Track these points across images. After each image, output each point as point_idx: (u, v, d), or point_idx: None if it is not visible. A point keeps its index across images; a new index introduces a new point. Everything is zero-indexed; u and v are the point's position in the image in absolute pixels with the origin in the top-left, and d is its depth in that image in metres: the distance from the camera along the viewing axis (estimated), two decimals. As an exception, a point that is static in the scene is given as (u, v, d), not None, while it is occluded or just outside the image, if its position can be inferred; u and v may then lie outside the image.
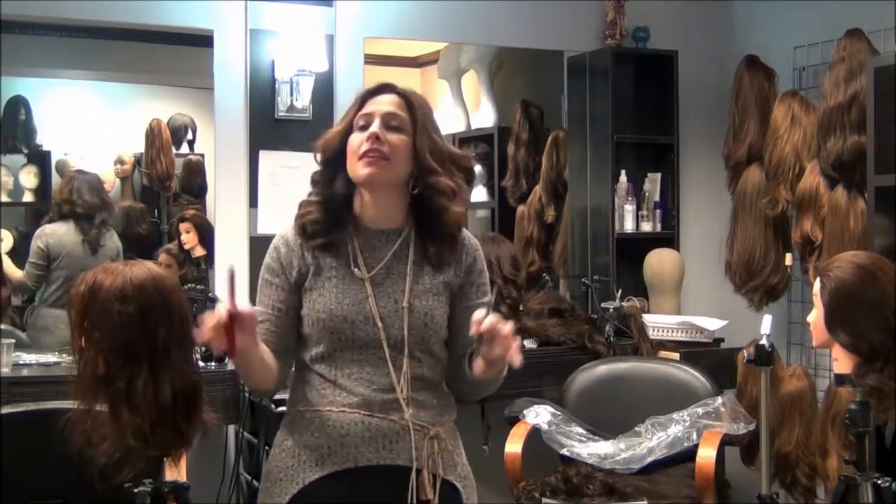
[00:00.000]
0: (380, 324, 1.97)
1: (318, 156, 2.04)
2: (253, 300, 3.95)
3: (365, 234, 2.03)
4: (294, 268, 2.02)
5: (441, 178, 2.00)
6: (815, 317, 2.51)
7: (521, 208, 4.89)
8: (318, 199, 2.04)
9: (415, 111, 2.00)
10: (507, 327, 1.85)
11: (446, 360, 2.07)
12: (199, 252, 4.37)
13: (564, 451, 3.43)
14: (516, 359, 1.85)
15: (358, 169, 1.97)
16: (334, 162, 2.01)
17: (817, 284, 2.51)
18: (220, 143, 4.02)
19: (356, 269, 1.99)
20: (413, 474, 1.96)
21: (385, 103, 2.00)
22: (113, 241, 4.23)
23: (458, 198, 2.03)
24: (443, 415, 2.05)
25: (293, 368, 2.08)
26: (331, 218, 2.02)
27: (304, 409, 2.01)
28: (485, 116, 5.08)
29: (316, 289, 2.00)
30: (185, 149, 4.57)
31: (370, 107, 2.00)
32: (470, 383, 2.07)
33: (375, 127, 1.96)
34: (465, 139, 5.10)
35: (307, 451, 1.99)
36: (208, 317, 1.81)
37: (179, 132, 4.56)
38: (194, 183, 4.56)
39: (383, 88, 2.02)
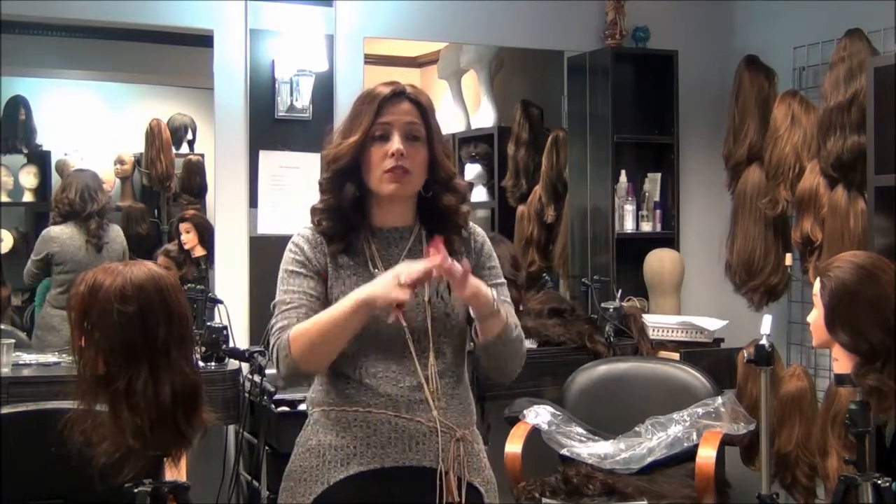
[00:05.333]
0: (402, 319, 1.94)
1: (328, 164, 2.02)
2: (253, 300, 3.96)
3: (378, 235, 2.04)
4: (320, 263, 2.02)
5: (456, 180, 2.06)
6: (815, 317, 2.51)
7: (521, 208, 4.89)
8: (330, 205, 2.04)
9: (428, 118, 2.01)
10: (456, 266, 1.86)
11: (466, 353, 2.08)
12: (199, 252, 4.36)
13: (564, 451, 3.43)
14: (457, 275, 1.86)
15: (383, 185, 1.98)
16: (346, 170, 2.00)
17: (817, 284, 2.51)
18: (220, 143, 4.02)
19: (376, 270, 2.00)
20: (440, 476, 1.96)
21: (402, 113, 1.99)
22: (118, 237, 4.23)
23: (468, 196, 2.08)
24: (466, 416, 2.05)
25: None
26: (344, 223, 2.02)
27: (329, 408, 2.01)
28: (485, 116, 5.08)
29: (337, 286, 2.00)
30: (185, 149, 4.57)
31: (388, 116, 1.98)
32: (486, 353, 2.04)
33: (398, 142, 1.96)
34: (465, 139, 5.10)
35: (332, 451, 1.98)
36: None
37: (179, 132, 4.56)
38: (194, 183, 4.56)
39: (397, 95, 2.00)
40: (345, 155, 1.99)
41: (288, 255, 2.05)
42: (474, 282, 1.90)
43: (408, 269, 1.84)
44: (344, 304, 1.89)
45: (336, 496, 1.96)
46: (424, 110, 2.01)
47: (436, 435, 1.97)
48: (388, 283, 1.84)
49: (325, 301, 2.01)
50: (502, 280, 2.13)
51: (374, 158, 1.98)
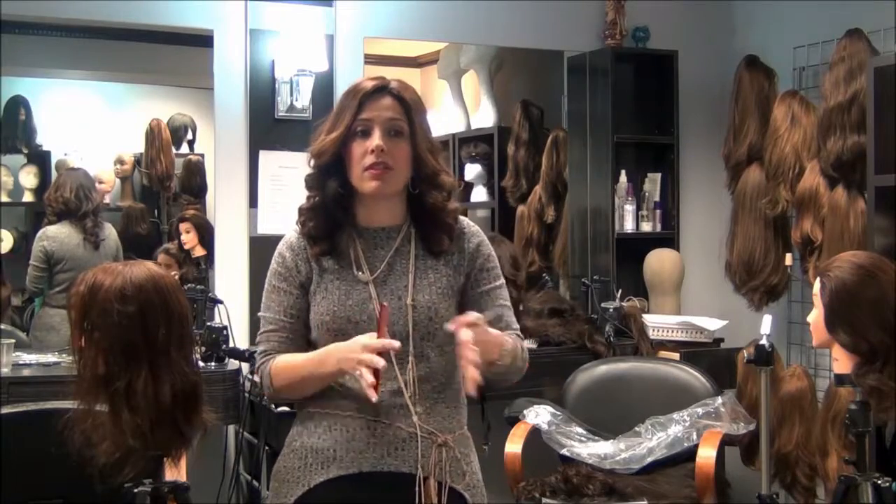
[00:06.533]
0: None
1: (312, 160, 2.02)
2: (253, 300, 3.96)
3: (365, 234, 2.02)
4: (301, 272, 2.01)
5: (442, 176, 2.02)
6: (815, 317, 2.51)
7: (521, 208, 4.89)
8: (316, 203, 2.03)
9: (412, 114, 1.98)
10: (465, 335, 1.81)
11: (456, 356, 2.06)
12: (199, 252, 4.37)
13: (564, 451, 3.43)
14: (469, 381, 1.80)
15: (364, 182, 1.96)
16: (330, 166, 1.99)
17: (817, 284, 2.51)
18: (220, 143, 4.02)
19: (359, 273, 1.99)
20: (418, 482, 1.95)
21: (384, 108, 1.97)
22: (111, 235, 4.23)
23: (455, 192, 2.05)
24: (451, 421, 2.03)
25: None
26: (330, 222, 2.01)
27: (313, 410, 2.01)
28: (485, 116, 5.07)
29: (320, 292, 2.00)
30: (185, 149, 4.57)
31: (369, 112, 1.96)
32: (494, 378, 2.02)
33: (378, 138, 1.94)
34: (465, 139, 5.10)
35: (314, 454, 1.98)
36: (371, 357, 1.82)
37: (179, 132, 4.56)
38: (194, 183, 4.56)
39: (379, 90, 1.99)
40: (327, 150, 1.97)
41: (272, 265, 2.05)
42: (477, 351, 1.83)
43: (370, 356, 1.81)
44: (325, 365, 1.92)
45: (317, 498, 1.96)
46: (408, 105, 1.98)
47: (415, 440, 1.96)
48: (353, 359, 1.84)
49: (306, 313, 2.01)
50: (501, 282, 2.09)
51: (356, 154, 1.96)
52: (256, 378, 2.08)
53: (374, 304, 1.96)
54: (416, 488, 1.94)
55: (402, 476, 1.96)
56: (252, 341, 3.74)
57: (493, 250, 2.11)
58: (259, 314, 2.06)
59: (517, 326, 2.10)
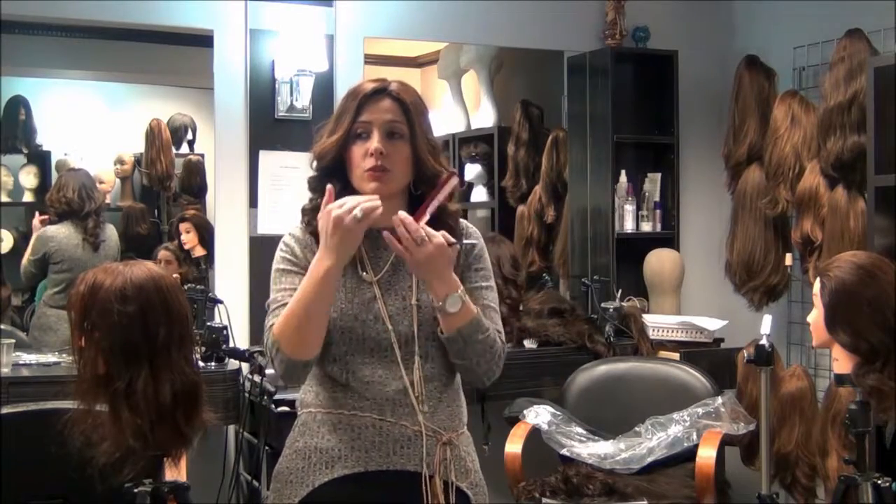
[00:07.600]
0: (389, 323, 1.96)
1: (314, 162, 2.03)
2: (253, 300, 3.95)
3: (368, 235, 2.02)
4: (309, 261, 1.99)
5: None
6: (815, 317, 2.51)
7: (521, 208, 4.89)
8: (317, 205, 2.01)
9: (411, 116, 1.99)
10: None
11: None
12: (199, 252, 4.37)
13: (564, 451, 3.43)
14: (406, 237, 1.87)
15: (363, 184, 1.97)
16: (332, 168, 2.00)
17: (817, 284, 2.51)
18: (220, 143, 4.02)
19: (364, 273, 2.00)
20: (424, 480, 1.95)
21: (384, 111, 1.98)
22: (112, 236, 4.23)
23: (457, 194, 2.06)
24: (454, 419, 2.04)
25: None
26: None
27: (315, 410, 2.01)
28: (485, 116, 5.08)
29: None
30: (185, 149, 4.58)
31: (368, 114, 1.97)
32: (449, 348, 1.97)
33: (376, 140, 1.95)
34: (465, 139, 5.10)
35: (318, 454, 1.98)
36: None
37: (179, 132, 4.56)
38: (194, 183, 4.56)
39: (379, 92, 1.99)
40: (328, 153, 1.99)
41: (279, 254, 2.05)
42: (430, 250, 1.87)
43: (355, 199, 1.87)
44: (312, 273, 1.89)
45: (320, 499, 1.96)
46: (407, 108, 1.99)
47: (421, 439, 1.97)
48: (338, 220, 1.85)
49: None
50: (489, 283, 2.09)
51: (356, 157, 1.97)
52: (265, 361, 2.06)
53: (379, 303, 1.98)
54: (423, 487, 1.95)
55: (407, 475, 1.96)
56: (252, 341, 3.76)
57: (487, 255, 2.11)
58: (268, 302, 2.02)
59: (501, 329, 2.08)
